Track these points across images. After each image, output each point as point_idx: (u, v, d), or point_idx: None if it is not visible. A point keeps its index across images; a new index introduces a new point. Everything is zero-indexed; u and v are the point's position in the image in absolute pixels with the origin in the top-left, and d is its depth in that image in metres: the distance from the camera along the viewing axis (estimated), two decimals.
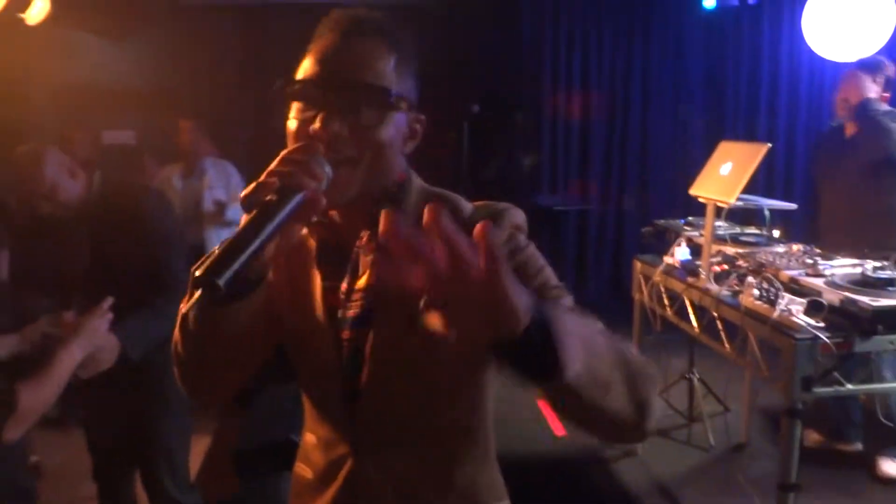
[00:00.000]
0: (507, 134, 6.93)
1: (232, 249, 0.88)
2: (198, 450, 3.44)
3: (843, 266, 2.77)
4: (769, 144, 2.84)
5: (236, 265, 0.87)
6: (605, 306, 6.57)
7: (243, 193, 0.95)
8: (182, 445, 2.85)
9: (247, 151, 5.86)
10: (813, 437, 3.74)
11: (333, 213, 1.16)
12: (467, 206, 1.20)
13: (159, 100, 5.78)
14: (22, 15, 4.53)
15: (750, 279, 2.73)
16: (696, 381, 4.19)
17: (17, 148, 2.50)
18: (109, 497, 2.89)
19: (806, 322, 2.41)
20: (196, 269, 0.87)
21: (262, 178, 0.96)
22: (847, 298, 2.40)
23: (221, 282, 0.85)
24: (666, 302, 3.38)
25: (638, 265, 3.69)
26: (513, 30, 6.56)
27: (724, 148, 3.15)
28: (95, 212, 2.53)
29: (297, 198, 0.95)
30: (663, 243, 3.51)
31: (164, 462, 2.75)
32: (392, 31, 1.12)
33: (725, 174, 2.93)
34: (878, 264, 2.66)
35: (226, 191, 4.76)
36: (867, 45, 3.99)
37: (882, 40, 3.96)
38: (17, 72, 5.22)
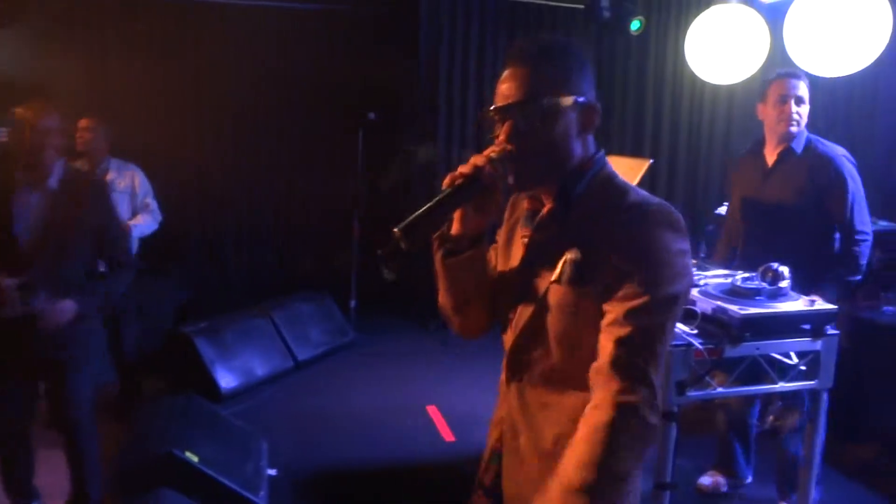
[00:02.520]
0: (404, 136, 6.92)
1: (420, 215, 1.35)
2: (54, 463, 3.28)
3: (715, 277, 2.93)
4: (651, 160, 2.96)
5: (418, 225, 1.34)
6: None
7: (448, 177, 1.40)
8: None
9: (147, 150, 5.62)
10: (714, 477, 3.70)
11: (539, 189, 1.50)
12: (627, 201, 1.41)
13: (33, 91, 5.46)
14: None
15: None
16: None
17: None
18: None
19: (680, 330, 2.52)
20: (396, 227, 1.33)
21: (459, 168, 1.40)
22: (718, 307, 2.54)
23: (402, 233, 1.32)
24: None
25: None
26: (410, 38, 6.58)
27: (610, 161, 3.26)
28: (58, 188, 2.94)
29: (473, 186, 1.39)
30: None
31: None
32: (536, 53, 1.41)
33: None
34: (747, 275, 2.82)
35: (129, 193, 4.55)
36: (743, 70, 4.24)
37: (756, 65, 4.21)
38: None
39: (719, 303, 2.57)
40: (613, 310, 1.32)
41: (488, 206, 1.45)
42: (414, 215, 1.33)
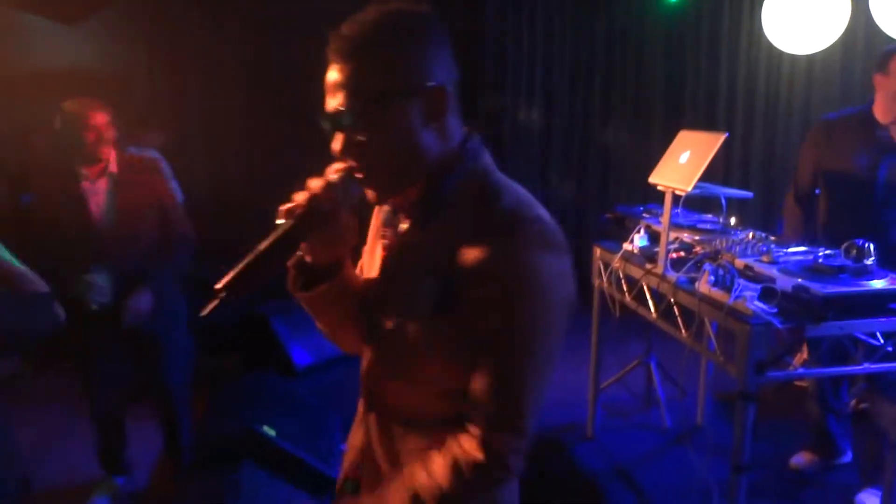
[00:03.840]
0: (470, 120, 6.91)
1: (246, 267, 1.11)
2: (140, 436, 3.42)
3: (796, 254, 2.83)
4: (726, 133, 2.88)
5: (244, 279, 1.10)
6: None
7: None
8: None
9: (200, 137, 5.76)
10: (807, 457, 3.64)
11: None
12: (498, 208, 1.17)
13: (114, 84, 5.64)
14: None
15: (706, 266, 2.77)
16: (653, 365, 4.26)
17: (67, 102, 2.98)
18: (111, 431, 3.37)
19: (759, 308, 2.46)
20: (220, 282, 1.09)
21: (294, 197, 1.17)
22: (799, 285, 2.46)
23: (225, 291, 1.09)
24: (625, 288, 3.42)
25: (597, 252, 3.73)
26: (476, 21, 6.53)
27: (683, 137, 3.19)
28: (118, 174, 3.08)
29: (312, 219, 1.16)
30: (623, 231, 3.55)
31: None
32: (356, 41, 1.13)
33: (683, 163, 2.97)
34: (829, 252, 2.72)
35: None
36: (823, 39, 4.07)
37: (836, 34, 4.04)
38: None
39: (800, 280, 2.49)
40: (478, 346, 1.14)
41: (336, 235, 1.23)
42: (239, 268, 1.10)
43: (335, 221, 1.20)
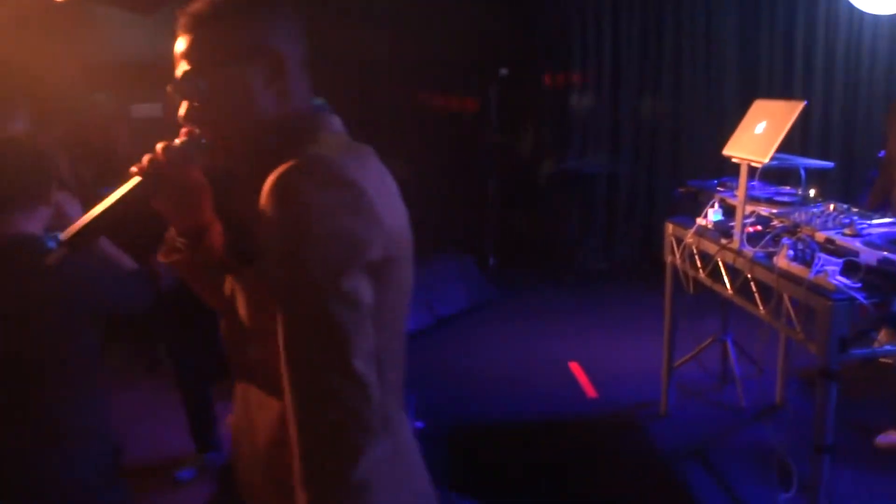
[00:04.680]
0: (535, 97, 6.86)
1: (87, 224, 1.16)
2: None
3: (880, 225, 2.72)
4: (805, 102, 2.78)
5: (85, 233, 1.16)
6: (637, 270, 6.54)
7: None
8: None
9: None
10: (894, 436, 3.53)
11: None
12: (294, 158, 1.10)
13: None
14: None
15: (785, 240, 2.69)
16: (729, 342, 4.17)
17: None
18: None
19: (842, 283, 2.37)
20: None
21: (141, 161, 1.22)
22: (885, 258, 2.36)
23: (68, 244, 1.15)
24: (699, 264, 3.35)
25: (670, 227, 3.66)
26: None
27: (759, 106, 3.09)
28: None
29: (154, 182, 1.21)
30: (696, 205, 3.47)
31: None
32: (195, 13, 1.20)
33: (760, 133, 2.88)
34: None
35: None
36: None
37: None
38: (46, 49, 5.25)
39: (885, 253, 2.39)
40: (272, 298, 1.09)
41: (184, 199, 1.25)
42: (83, 222, 1.16)
43: (180, 184, 1.24)
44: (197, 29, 1.20)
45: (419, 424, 3.75)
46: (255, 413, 1.26)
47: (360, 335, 1.05)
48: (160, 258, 1.34)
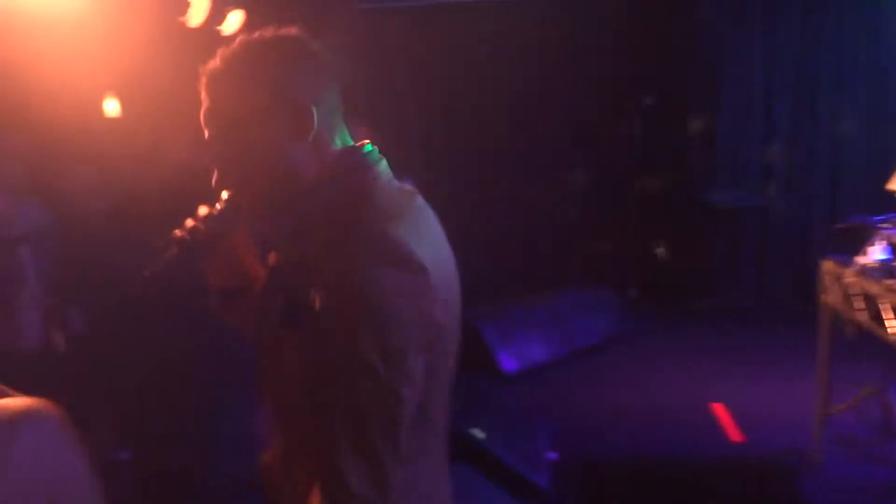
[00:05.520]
0: (682, 126, 6.68)
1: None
2: None
3: None
4: None
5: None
6: (789, 312, 6.18)
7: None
8: None
9: (421, 153, 6.05)
10: None
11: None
12: (351, 221, 1.11)
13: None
14: (219, 27, 4.94)
15: None
16: (892, 394, 3.86)
17: None
18: None
19: None
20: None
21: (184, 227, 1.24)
22: None
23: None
24: (859, 305, 3.13)
25: (826, 266, 3.45)
26: (691, 16, 6.31)
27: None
28: None
29: (195, 252, 1.24)
30: (856, 243, 3.26)
31: None
32: (212, 72, 1.15)
33: None
34: None
35: None
36: None
37: None
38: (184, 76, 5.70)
39: None
40: (322, 364, 1.06)
41: (226, 263, 1.28)
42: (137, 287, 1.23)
43: (220, 251, 1.25)
44: (213, 89, 1.15)
45: (552, 456, 3.71)
46: (292, 455, 1.23)
47: (395, 419, 1.06)
48: (210, 307, 1.36)
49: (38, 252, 2.39)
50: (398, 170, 1.24)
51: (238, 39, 1.16)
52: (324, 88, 1.17)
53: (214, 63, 1.15)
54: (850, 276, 3.13)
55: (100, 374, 2.51)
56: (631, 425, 4.25)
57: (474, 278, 5.99)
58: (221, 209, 1.22)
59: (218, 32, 4.85)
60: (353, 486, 1.03)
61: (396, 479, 1.05)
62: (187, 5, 4.11)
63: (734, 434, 4.05)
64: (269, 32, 1.16)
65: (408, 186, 1.24)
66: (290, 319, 1.12)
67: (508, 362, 4.95)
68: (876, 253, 3.03)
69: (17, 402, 0.87)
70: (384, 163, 1.21)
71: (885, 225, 3.26)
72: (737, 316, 6.25)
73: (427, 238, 1.15)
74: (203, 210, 1.24)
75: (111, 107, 4.98)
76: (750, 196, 6.47)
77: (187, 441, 2.04)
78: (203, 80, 1.16)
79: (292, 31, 1.17)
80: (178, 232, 1.23)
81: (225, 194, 1.22)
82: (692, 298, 6.38)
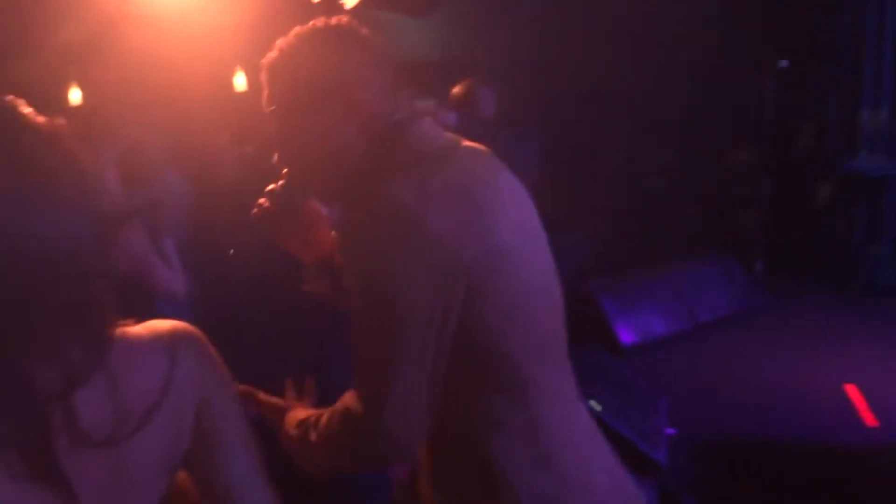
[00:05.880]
0: (818, 92, 6.27)
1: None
2: None
3: None
4: None
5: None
6: None
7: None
8: None
9: (540, 118, 5.98)
10: None
11: None
12: (373, 183, 1.19)
13: (459, 70, 6.09)
14: (341, 1, 5.05)
15: None
16: None
17: None
18: None
19: None
20: None
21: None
22: None
23: None
24: None
25: None
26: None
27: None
28: None
29: (273, 221, 1.40)
30: None
31: None
32: (268, 65, 1.27)
33: None
34: None
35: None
36: None
37: None
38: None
39: None
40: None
41: (300, 235, 1.42)
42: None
43: (291, 222, 1.39)
44: (271, 77, 1.27)
45: (671, 431, 3.64)
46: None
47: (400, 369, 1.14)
48: (305, 289, 1.47)
49: (176, 218, 2.59)
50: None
51: (293, 31, 1.26)
52: (374, 67, 1.26)
53: (272, 54, 1.27)
54: None
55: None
56: (756, 404, 4.09)
57: (594, 249, 5.96)
58: (282, 185, 1.36)
59: (340, 7, 4.97)
60: (354, 407, 1.17)
61: (397, 399, 1.13)
62: None
63: (868, 418, 3.84)
64: (320, 22, 1.26)
65: (448, 141, 1.28)
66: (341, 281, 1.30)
67: (627, 335, 4.87)
68: None
69: (165, 324, 0.96)
70: (420, 126, 1.27)
71: None
72: (877, 293, 5.87)
73: (448, 188, 1.18)
74: (270, 187, 1.37)
75: (240, 81, 5.22)
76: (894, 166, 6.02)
77: None
78: (263, 70, 1.28)
79: (343, 19, 1.27)
80: (255, 210, 1.38)
81: (284, 172, 1.35)
82: (827, 273, 6.03)
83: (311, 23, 1.27)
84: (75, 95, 4.72)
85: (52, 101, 4.53)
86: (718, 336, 5.18)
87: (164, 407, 0.89)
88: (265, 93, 1.28)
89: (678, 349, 4.94)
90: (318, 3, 4.20)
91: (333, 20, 1.26)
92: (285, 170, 1.35)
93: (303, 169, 1.31)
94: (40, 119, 0.82)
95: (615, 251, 6.40)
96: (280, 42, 1.27)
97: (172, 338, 0.94)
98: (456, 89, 3.70)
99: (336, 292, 1.41)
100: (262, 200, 1.38)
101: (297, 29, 1.26)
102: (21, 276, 0.77)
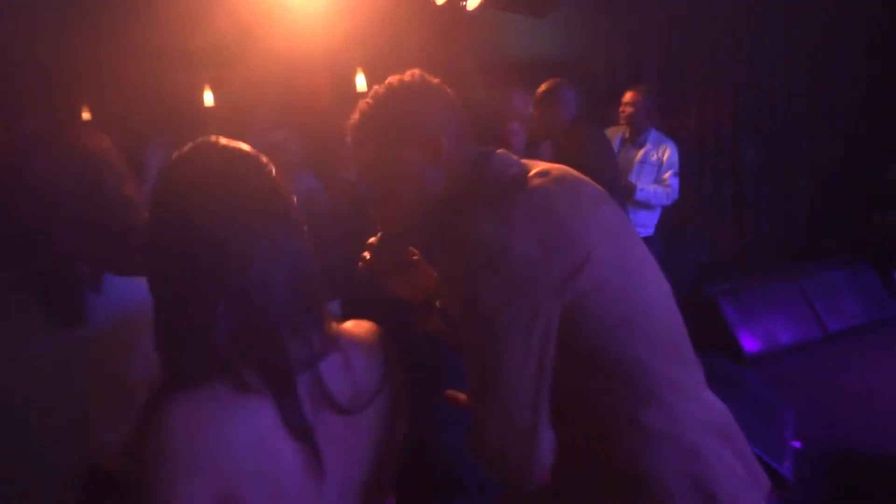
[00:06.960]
0: None
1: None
2: None
3: None
4: None
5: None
6: None
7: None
8: None
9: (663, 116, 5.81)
10: None
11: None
12: (456, 224, 1.26)
13: (576, 69, 6.02)
14: (463, 3, 5.08)
15: None
16: None
17: None
18: None
19: None
20: None
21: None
22: None
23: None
24: None
25: None
26: None
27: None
28: None
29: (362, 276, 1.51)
30: None
31: None
32: (354, 126, 1.35)
33: None
34: None
35: (657, 166, 4.52)
36: None
37: None
38: (454, 53, 5.88)
39: None
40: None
41: (405, 280, 1.50)
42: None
43: (394, 271, 1.49)
44: (355, 141, 1.35)
45: (796, 444, 3.49)
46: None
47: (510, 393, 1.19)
48: (419, 329, 1.56)
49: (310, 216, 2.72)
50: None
51: (371, 92, 1.36)
52: (451, 112, 1.35)
53: (354, 116, 1.36)
54: None
55: None
56: (888, 420, 3.85)
57: (716, 250, 5.73)
58: (378, 238, 1.46)
59: (462, 8, 5.01)
60: (485, 429, 1.21)
61: (497, 415, 1.19)
62: None
63: None
64: (395, 80, 1.35)
65: (522, 168, 1.34)
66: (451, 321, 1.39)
67: (750, 342, 4.69)
68: None
69: (368, 324, 1.19)
70: (495, 159, 1.34)
71: None
72: None
73: (528, 213, 1.24)
74: (370, 240, 1.48)
75: (360, 81, 5.36)
76: None
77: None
78: (349, 132, 1.36)
79: (415, 73, 1.36)
80: (359, 264, 1.49)
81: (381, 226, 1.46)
82: None
83: (386, 82, 1.36)
84: (208, 98, 4.99)
85: (187, 104, 4.82)
86: (849, 346, 4.91)
87: (384, 391, 1.12)
88: (353, 152, 1.37)
89: (805, 359, 4.72)
90: (442, 4, 4.25)
91: (406, 76, 1.35)
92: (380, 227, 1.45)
93: (398, 216, 1.38)
94: (262, 157, 1.06)
95: (741, 255, 6.16)
96: (360, 104, 1.36)
97: (380, 335, 1.18)
98: (541, 88, 3.72)
99: (447, 328, 1.47)
100: (364, 254, 1.48)
101: (376, 89, 1.36)
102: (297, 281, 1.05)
